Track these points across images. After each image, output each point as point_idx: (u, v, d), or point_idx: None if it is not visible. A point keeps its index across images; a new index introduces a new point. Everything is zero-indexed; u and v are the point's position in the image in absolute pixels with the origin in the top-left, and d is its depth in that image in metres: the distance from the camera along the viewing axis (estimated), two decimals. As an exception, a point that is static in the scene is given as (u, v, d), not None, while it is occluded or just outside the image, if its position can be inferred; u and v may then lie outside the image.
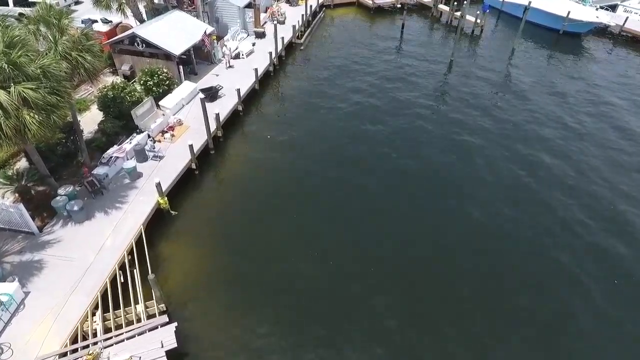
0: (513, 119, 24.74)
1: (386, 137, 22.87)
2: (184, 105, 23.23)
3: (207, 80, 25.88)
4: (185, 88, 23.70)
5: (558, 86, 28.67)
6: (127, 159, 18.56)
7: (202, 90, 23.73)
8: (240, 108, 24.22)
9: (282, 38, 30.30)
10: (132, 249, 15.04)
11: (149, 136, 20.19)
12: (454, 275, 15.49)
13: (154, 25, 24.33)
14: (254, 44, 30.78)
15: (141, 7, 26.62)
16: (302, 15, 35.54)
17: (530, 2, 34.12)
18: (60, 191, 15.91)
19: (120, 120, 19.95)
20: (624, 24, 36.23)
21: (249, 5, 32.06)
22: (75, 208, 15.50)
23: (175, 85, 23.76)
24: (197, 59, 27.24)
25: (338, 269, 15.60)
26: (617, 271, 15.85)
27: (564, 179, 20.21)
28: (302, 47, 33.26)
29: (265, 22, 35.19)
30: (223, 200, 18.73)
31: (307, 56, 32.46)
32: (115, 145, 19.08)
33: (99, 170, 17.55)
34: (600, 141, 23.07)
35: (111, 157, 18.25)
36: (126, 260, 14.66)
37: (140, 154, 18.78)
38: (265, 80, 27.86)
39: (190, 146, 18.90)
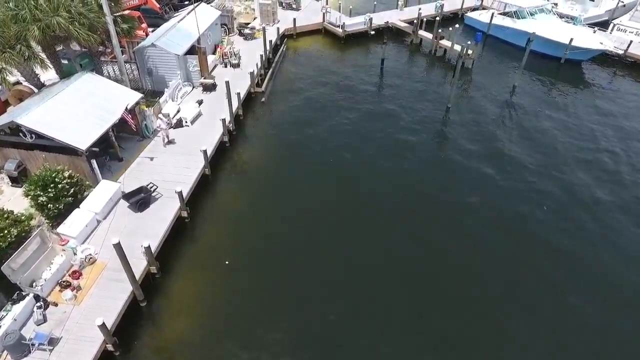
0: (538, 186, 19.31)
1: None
2: (99, 223, 15.99)
3: (136, 172, 18.65)
4: (101, 195, 16.41)
5: (580, 129, 23.72)
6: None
7: (127, 197, 16.56)
8: (185, 214, 17.23)
9: (238, 94, 23.42)
10: None
11: (35, 299, 12.87)
12: None
13: (49, 103, 16.85)
14: (200, 103, 23.69)
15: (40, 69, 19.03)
16: (261, 55, 28.69)
17: (533, 32, 28.99)
18: None
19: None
20: (627, 48, 32.01)
21: (191, 51, 24.93)
22: None
23: (86, 192, 16.45)
24: (123, 134, 19.99)
25: None
26: None
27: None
28: (263, 99, 26.47)
29: (216, 66, 28.15)
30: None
31: (271, 110, 25.73)
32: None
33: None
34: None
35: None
36: None
37: (17, 349, 11.50)
38: (219, 157, 20.94)
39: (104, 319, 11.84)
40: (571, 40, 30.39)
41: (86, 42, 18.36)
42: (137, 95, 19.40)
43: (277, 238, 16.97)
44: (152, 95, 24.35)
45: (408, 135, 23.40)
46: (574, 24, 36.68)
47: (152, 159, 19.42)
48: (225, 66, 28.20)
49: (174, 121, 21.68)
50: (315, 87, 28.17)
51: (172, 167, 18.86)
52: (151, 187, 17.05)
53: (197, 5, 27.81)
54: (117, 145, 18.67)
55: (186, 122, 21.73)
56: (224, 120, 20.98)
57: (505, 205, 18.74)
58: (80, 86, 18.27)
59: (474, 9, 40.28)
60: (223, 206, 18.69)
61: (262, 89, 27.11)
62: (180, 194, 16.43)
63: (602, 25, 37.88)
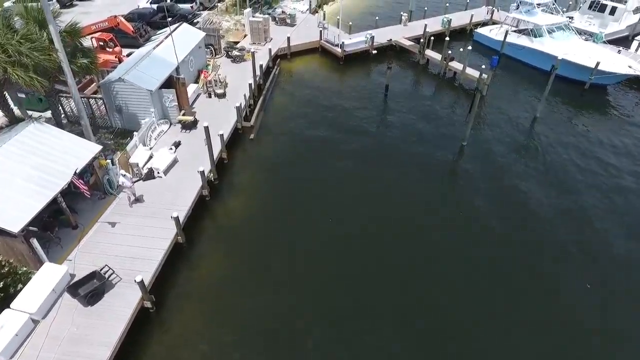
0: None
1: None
2: (36, 325, 12.59)
3: (92, 244, 15.21)
4: (42, 285, 12.97)
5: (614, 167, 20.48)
6: None
7: (74, 287, 13.16)
8: (148, 304, 13.84)
9: (221, 136, 20.04)
10: None
11: None
12: None
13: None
14: (177, 145, 20.35)
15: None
16: (250, 84, 25.30)
17: (558, 57, 25.80)
18: None
19: None
20: (657, 71, 28.86)
21: (167, 84, 21.57)
22: None
23: (21, 284, 13.05)
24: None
25: None
26: None
27: None
28: (252, 135, 23.11)
29: (198, 97, 24.79)
30: None
31: (261, 150, 22.38)
32: None
33: None
34: None
35: None
36: None
37: None
38: (197, 214, 17.57)
39: None
40: (597, 64, 27.19)
41: (29, 86, 14.97)
42: (94, 149, 15.99)
43: (264, 320, 13.66)
44: (122, 135, 21.03)
45: (417, 183, 20.09)
46: (593, 40, 33.67)
47: (113, 224, 16.04)
48: (210, 96, 24.84)
49: (144, 171, 18.34)
50: (312, 120, 24.83)
51: (137, 236, 15.49)
52: (106, 272, 13.67)
53: (176, 28, 24.47)
54: (69, 212, 15.26)
55: (158, 172, 18.36)
56: (202, 173, 17.62)
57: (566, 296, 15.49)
58: (21, 141, 14.84)
59: (484, 23, 37.08)
60: (199, 283, 15.31)
61: (250, 124, 23.77)
62: (141, 283, 13.06)
63: (623, 41, 34.88)
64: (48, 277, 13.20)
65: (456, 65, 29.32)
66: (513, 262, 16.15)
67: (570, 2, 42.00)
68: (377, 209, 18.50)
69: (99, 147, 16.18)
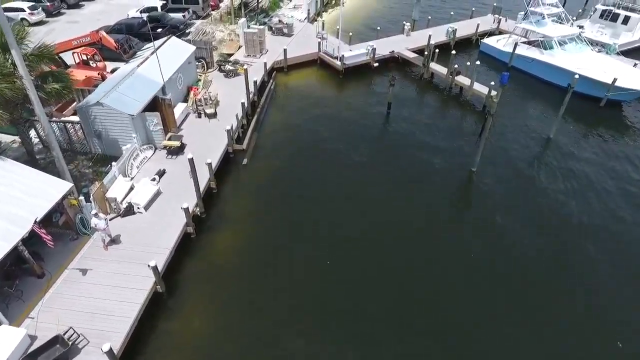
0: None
1: None
2: (-13, 404, 10.88)
3: (59, 299, 13.43)
4: (-5, 354, 11.30)
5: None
6: None
7: (33, 356, 11.41)
8: (120, 375, 12.10)
9: (209, 164, 18.29)
10: None
11: None
12: None
13: None
14: (161, 175, 18.60)
15: None
16: (243, 103, 23.53)
17: (575, 75, 24.00)
18: None
19: None
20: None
21: (152, 107, 19.85)
22: None
23: (-30, 354, 11.31)
24: (50, 228, 14.91)
25: None
26: None
27: None
28: (245, 160, 21.38)
29: (187, 117, 23.06)
30: None
31: (254, 177, 20.63)
32: None
33: None
34: None
35: None
36: None
37: None
38: (180, 256, 15.84)
39: None
40: (615, 80, 25.47)
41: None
42: (63, 188, 14.25)
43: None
44: (102, 161, 19.32)
45: (425, 216, 18.38)
46: (606, 52, 32.00)
47: (85, 272, 14.30)
48: (199, 116, 23.12)
49: (123, 206, 16.60)
50: (309, 142, 23.12)
51: (110, 287, 13.75)
52: (71, 337, 11.93)
53: (161, 45, 22.71)
54: (32, 261, 13.52)
55: (138, 208, 16.63)
56: (186, 210, 15.88)
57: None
58: (-22, 182, 13.15)
59: (490, 33, 35.34)
60: (180, 340, 13.57)
61: (243, 146, 22.04)
62: (110, 353, 11.30)
63: (637, 52, 33.21)
64: (2, 343, 11.45)
65: (463, 80, 27.60)
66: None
67: (580, 10, 40.27)
68: (379, 247, 16.76)
69: (68, 185, 14.44)
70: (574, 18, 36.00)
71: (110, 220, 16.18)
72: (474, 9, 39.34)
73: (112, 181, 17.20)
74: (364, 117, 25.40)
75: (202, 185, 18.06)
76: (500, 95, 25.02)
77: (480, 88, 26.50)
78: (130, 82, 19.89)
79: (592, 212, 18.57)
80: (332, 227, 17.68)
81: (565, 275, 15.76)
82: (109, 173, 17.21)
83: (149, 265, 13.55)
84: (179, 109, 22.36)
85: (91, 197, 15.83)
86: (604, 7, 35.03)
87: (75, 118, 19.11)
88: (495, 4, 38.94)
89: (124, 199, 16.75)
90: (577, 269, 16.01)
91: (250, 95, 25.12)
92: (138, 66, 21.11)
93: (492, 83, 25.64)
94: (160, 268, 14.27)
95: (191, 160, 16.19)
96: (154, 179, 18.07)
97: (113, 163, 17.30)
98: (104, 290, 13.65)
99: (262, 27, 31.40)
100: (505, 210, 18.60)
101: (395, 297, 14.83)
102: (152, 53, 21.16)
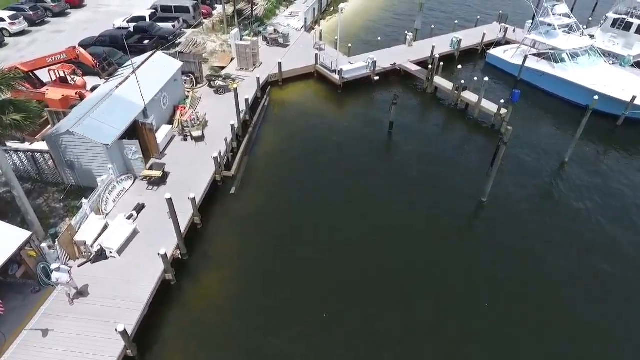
0: None
1: None
2: None
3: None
4: None
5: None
6: None
7: None
8: None
9: (193, 199, 16.46)
10: None
11: None
12: None
13: None
14: (139, 210, 16.76)
15: None
16: (232, 125, 21.64)
17: (594, 97, 22.21)
18: None
19: None
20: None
21: (130, 133, 18.05)
22: None
23: None
24: (11, 279, 13.16)
25: None
26: None
27: None
28: (233, 189, 19.57)
29: (173, 139, 21.27)
30: None
31: (242, 210, 18.74)
32: None
33: None
34: None
35: None
36: None
37: None
38: (158, 307, 14.00)
39: None
40: (634, 98, 23.71)
41: None
42: (20, 237, 12.44)
43: None
44: (76, 194, 17.52)
45: (429, 250, 16.61)
46: (620, 64, 30.27)
47: (45, 332, 12.49)
48: (185, 139, 21.31)
49: (94, 250, 14.79)
50: (304, 165, 21.38)
51: (73, 352, 11.95)
52: None
53: (140, 65, 20.85)
54: (-19, 324, 11.73)
55: (111, 252, 14.82)
56: (164, 256, 14.08)
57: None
58: None
59: (497, 43, 33.54)
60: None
61: (232, 173, 20.25)
62: None
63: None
64: None
65: (470, 96, 25.82)
66: None
67: (590, 18, 38.50)
68: (377, 290, 14.96)
69: (26, 235, 12.61)
70: (584, 27, 34.23)
71: (79, 266, 14.46)
72: (479, 17, 37.57)
73: (84, 220, 15.38)
74: (364, 138, 23.57)
75: (185, 222, 16.28)
76: (511, 114, 23.42)
77: (489, 105, 24.72)
78: (107, 106, 18.08)
79: (622, 259, 16.78)
80: (334, 268, 15.88)
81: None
82: (79, 211, 15.38)
83: (116, 330, 11.71)
84: (163, 132, 20.56)
85: (57, 241, 14.01)
86: (616, 16, 33.24)
87: (45, 146, 17.26)
88: (501, 12, 37.26)
89: (95, 241, 14.92)
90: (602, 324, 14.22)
91: (242, 115, 23.31)
92: (117, 87, 19.29)
93: (502, 101, 23.84)
94: (132, 327, 12.49)
95: (170, 201, 14.35)
96: (131, 216, 16.27)
97: (83, 200, 15.45)
98: (67, 357, 11.84)
99: (255, 39, 29.57)
100: (517, 251, 16.81)
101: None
102: (133, 72, 19.30)
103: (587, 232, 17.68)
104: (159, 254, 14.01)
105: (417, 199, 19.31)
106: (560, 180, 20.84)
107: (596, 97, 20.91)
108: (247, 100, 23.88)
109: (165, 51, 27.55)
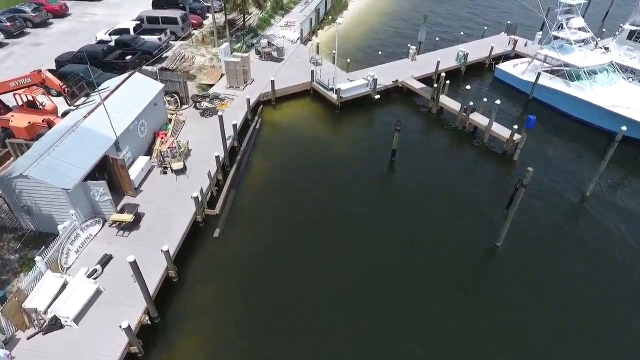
0: None
1: None
2: None
3: None
4: None
5: None
6: None
7: None
8: None
9: (167, 252, 14.27)
10: None
11: None
12: None
13: None
14: (105, 263, 14.58)
15: None
16: (217, 156, 19.37)
17: (623, 128, 20.06)
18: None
19: None
20: None
21: (101, 168, 15.89)
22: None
23: None
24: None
25: None
26: None
27: None
28: (217, 231, 17.39)
29: (151, 171, 19.10)
30: None
31: (226, 257, 16.52)
32: None
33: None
34: None
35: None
36: None
37: None
38: (119, 389, 11.90)
39: None
40: (661, 122, 21.62)
41: None
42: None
43: None
44: (36, 241, 15.38)
45: (437, 307, 14.46)
46: (639, 80, 28.09)
47: None
48: (165, 171, 19.14)
49: (48, 317, 12.64)
50: (299, 202, 19.15)
51: None
52: None
53: (108, 96, 18.56)
54: None
55: (66, 321, 12.65)
56: (128, 328, 11.91)
57: None
58: None
59: (506, 56, 31.34)
60: None
61: (215, 212, 18.09)
62: None
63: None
64: None
65: (479, 119, 23.66)
66: None
67: (604, 29, 36.34)
68: (383, 340, 12.82)
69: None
70: (599, 38, 32.09)
71: (28, 338, 12.31)
72: (485, 28, 35.38)
73: (38, 278, 13.24)
74: (364, 167, 21.42)
75: (158, 277, 14.15)
76: (525, 141, 21.29)
77: (500, 130, 22.58)
78: (72, 140, 15.92)
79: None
80: (332, 333, 13.72)
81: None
82: (32, 269, 13.23)
83: None
84: (140, 165, 18.39)
85: (0, 312, 11.85)
86: (633, 27, 31.01)
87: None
88: (509, 22, 35.12)
89: (49, 306, 12.77)
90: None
91: (229, 141, 21.16)
92: (85, 117, 17.12)
93: (515, 126, 21.65)
94: None
95: (134, 264, 12.16)
96: (94, 271, 14.13)
97: (37, 258, 13.28)
98: None
99: (246, 54, 27.39)
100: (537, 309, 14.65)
101: None
102: (101, 102, 17.08)
103: (623, 287, 15.51)
104: (120, 328, 11.84)
105: (420, 235, 17.16)
106: (582, 218, 18.70)
107: (624, 128, 18.66)
108: (234, 125, 21.66)
109: (149, 66, 25.54)
